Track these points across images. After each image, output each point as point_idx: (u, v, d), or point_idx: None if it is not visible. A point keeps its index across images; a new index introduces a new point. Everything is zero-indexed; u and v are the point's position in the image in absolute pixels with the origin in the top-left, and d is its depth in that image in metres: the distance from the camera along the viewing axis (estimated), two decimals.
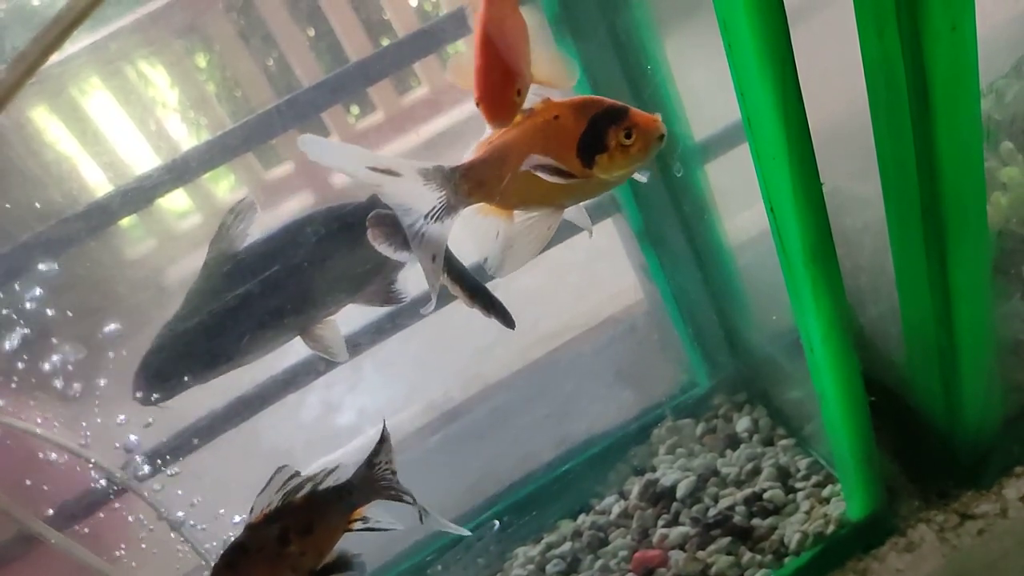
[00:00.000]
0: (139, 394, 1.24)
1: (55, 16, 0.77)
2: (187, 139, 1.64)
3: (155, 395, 1.24)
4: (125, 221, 1.46)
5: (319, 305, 1.26)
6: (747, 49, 0.91)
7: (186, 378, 1.24)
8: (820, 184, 1.05)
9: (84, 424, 1.47)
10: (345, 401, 1.87)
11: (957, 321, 1.24)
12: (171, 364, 1.22)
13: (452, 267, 1.16)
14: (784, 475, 1.66)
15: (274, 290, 1.22)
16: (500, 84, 0.78)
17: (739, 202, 1.62)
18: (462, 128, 1.89)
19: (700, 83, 1.45)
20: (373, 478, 1.08)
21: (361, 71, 1.50)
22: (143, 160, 1.54)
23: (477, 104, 0.80)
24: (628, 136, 0.85)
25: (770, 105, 0.95)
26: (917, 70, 0.99)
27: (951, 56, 0.98)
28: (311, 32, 1.77)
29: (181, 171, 1.38)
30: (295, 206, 1.86)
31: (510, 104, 0.79)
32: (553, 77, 0.87)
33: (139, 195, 1.34)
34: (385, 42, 1.80)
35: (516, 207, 0.90)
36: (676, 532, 1.62)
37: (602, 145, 0.85)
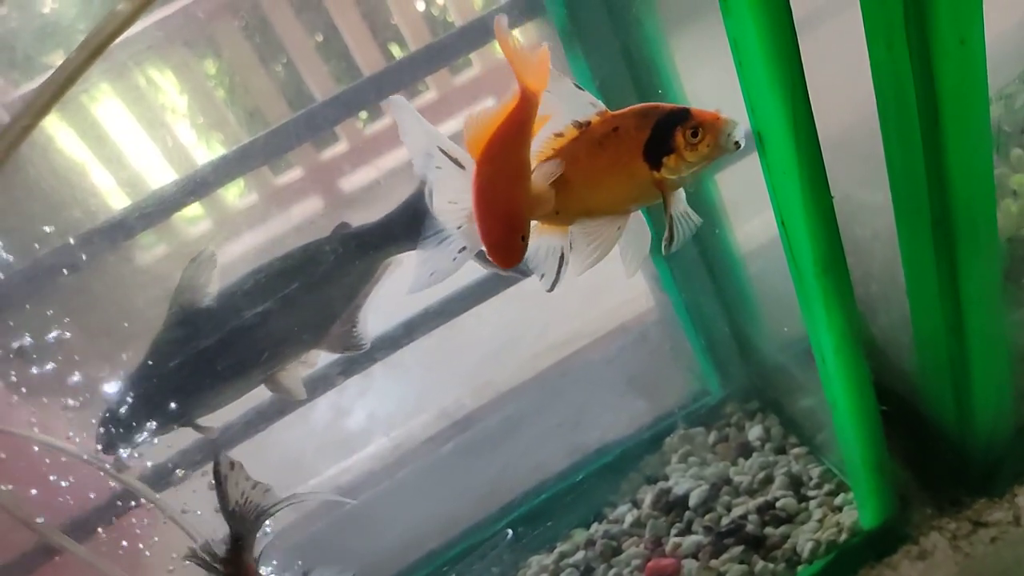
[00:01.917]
0: (101, 446, 1.26)
1: (82, 41, 0.79)
2: (196, 146, 1.65)
3: (117, 446, 1.28)
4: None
5: (281, 355, 1.27)
6: (757, 67, 0.92)
7: (147, 431, 1.27)
8: (831, 197, 1.05)
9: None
10: (355, 406, 1.88)
11: (968, 330, 1.24)
12: (133, 417, 1.25)
13: None
14: (796, 484, 1.66)
15: (237, 342, 1.24)
16: (505, 237, 0.82)
17: (750, 211, 1.62)
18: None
19: (709, 92, 1.46)
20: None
21: (374, 85, 1.51)
22: (154, 169, 1.55)
23: (487, 252, 0.83)
24: (695, 135, 0.87)
25: (780, 121, 0.96)
26: (926, 84, 1.00)
27: (960, 70, 0.98)
28: (319, 37, 1.79)
29: (198, 187, 1.40)
30: (304, 210, 1.87)
31: (518, 251, 0.83)
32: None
33: (157, 213, 1.36)
34: (393, 47, 1.82)
35: (577, 219, 0.92)
36: (689, 541, 1.63)
37: (669, 147, 0.87)
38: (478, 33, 1.50)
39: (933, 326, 1.29)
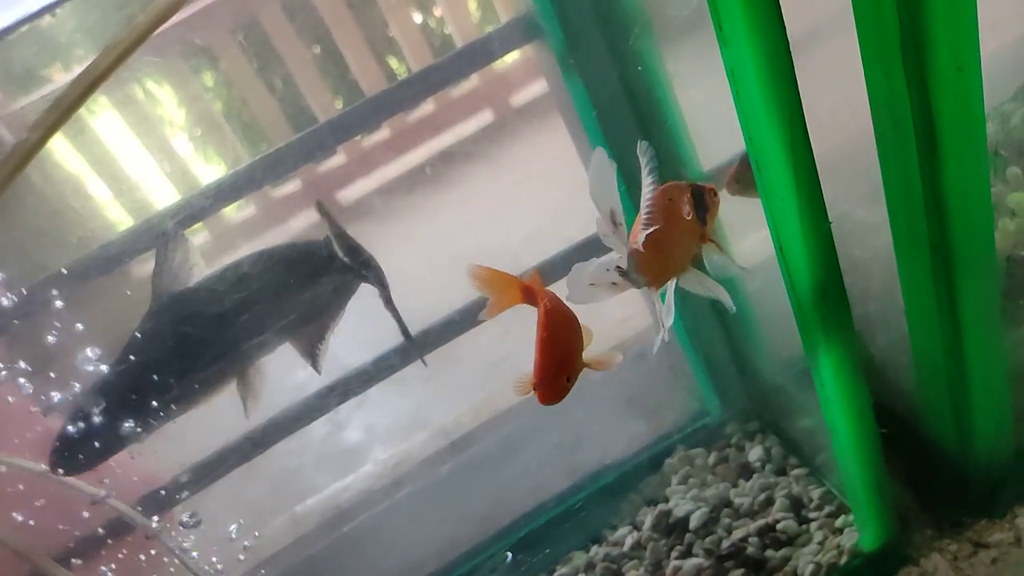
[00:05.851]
0: (58, 469, 1.26)
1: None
2: (194, 158, 1.65)
3: (74, 467, 1.27)
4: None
5: (256, 346, 1.28)
6: (754, 97, 0.93)
7: (106, 449, 1.26)
8: (828, 224, 1.06)
9: None
10: (352, 420, 1.87)
11: (967, 350, 1.24)
12: (89, 439, 1.24)
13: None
14: (797, 505, 1.66)
15: (213, 330, 1.25)
16: (554, 375, 0.93)
17: (746, 229, 1.62)
18: (469, 146, 1.91)
19: (707, 121, 1.46)
20: None
21: (376, 106, 1.52)
22: (153, 184, 1.55)
23: (534, 388, 0.93)
24: (714, 195, 1.03)
25: (778, 150, 0.96)
26: (924, 112, 1.00)
27: (957, 97, 0.99)
28: (316, 50, 1.79)
29: (201, 209, 1.40)
30: (301, 224, 1.87)
31: (562, 390, 0.94)
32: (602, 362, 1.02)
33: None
34: (391, 59, 1.82)
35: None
36: (690, 564, 1.62)
37: (704, 206, 1.03)
38: (479, 54, 1.51)
39: (932, 347, 1.29)
